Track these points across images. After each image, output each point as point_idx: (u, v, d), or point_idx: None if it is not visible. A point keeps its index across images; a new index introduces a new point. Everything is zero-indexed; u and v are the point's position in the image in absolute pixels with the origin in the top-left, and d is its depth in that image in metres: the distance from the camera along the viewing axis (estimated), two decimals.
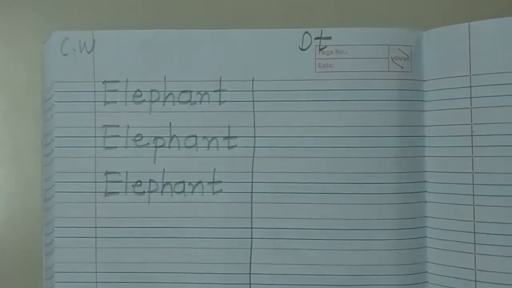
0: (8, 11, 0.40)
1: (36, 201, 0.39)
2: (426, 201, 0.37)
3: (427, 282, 0.37)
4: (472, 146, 0.35)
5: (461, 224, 0.35)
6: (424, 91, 0.37)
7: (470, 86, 0.35)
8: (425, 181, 0.37)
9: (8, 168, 0.39)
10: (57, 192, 0.38)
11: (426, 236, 0.37)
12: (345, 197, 0.37)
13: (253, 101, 0.37)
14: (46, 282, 0.38)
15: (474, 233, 0.35)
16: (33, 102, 0.39)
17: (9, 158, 0.39)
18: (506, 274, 0.34)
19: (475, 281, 0.35)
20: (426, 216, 0.37)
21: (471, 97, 0.35)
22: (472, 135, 0.35)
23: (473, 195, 0.35)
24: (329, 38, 0.37)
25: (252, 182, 0.37)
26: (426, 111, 0.37)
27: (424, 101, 0.37)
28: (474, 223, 0.35)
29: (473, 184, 0.35)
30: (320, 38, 0.37)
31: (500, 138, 0.34)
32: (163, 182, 0.38)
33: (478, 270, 0.35)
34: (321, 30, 0.37)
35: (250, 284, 0.37)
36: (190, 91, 0.38)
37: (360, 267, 0.37)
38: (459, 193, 0.35)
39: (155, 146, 0.38)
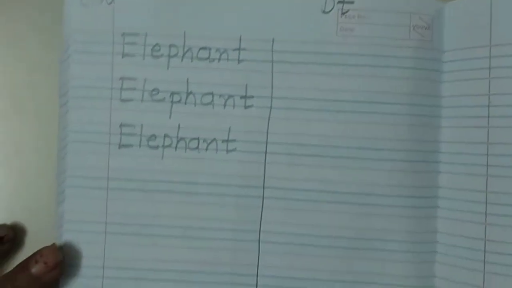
0: (8, 11, 0.39)
1: (36, 201, 0.39)
2: (439, 171, 0.37)
3: (436, 251, 0.37)
4: (488, 117, 0.35)
5: (473, 195, 0.36)
6: (443, 61, 0.37)
7: (490, 57, 0.35)
8: (439, 152, 0.37)
9: (8, 168, 0.39)
10: (70, 142, 0.38)
11: (437, 206, 0.37)
12: (358, 162, 0.37)
13: (272, 61, 0.37)
14: (56, 230, 0.38)
15: (485, 214, 0.35)
16: (33, 102, 0.39)
17: (9, 158, 0.39)
18: None
19: (484, 251, 0.35)
20: (438, 186, 0.37)
21: (490, 68, 0.35)
22: (489, 106, 0.35)
23: (487, 165, 0.35)
24: (352, 2, 0.37)
25: (266, 142, 0.38)
26: (444, 82, 0.37)
27: (442, 71, 0.37)
28: (486, 193, 0.35)
29: (487, 154, 0.35)
30: (343, 2, 0.37)
31: None
32: (177, 137, 0.38)
33: (488, 240, 0.35)
34: None
35: (259, 241, 0.37)
36: (209, 48, 0.38)
37: (369, 231, 0.37)
38: (474, 163, 0.36)
39: (171, 101, 0.38)
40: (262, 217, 0.37)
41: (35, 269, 0.35)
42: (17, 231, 0.39)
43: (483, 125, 0.36)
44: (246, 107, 0.38)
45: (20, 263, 0.36)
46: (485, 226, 0.35)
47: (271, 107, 0.38)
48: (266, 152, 0.38)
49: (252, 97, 0.38)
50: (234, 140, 0.38)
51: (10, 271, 0.36)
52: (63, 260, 0.37)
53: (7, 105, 0.39)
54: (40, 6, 0.39)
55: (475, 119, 0.36)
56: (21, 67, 0.39)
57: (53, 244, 0.37)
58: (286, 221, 0.37)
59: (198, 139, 0.38)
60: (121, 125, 0.38)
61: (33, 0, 0.40)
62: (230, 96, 0.38)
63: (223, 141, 0.38)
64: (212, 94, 0.38)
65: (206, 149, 0.38)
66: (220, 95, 0.38)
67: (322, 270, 0.37)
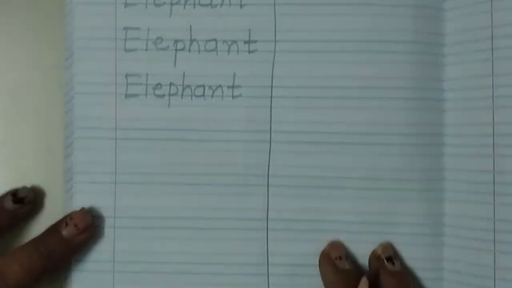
0: (8, 11, 0.39)
1: None
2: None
3: (444, 189, 0.37)
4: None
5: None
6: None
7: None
8: (443, 89, 0.37)
9: (8, 168, 0.39)
10: (77, 93, 0.38)
11: (444, 144, 0.37)
12: (363, 101, 0.37)
13: (274, 4, 0.37)
14: (66, 184, 0.39)
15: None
16: (33, 102, 0.39)
17: (9, 158, 0.39)
18: None
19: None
20: (444, 125, 0.37)
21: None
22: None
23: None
24: None
25: (271, 86, 0.38)
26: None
27: (444, 10, 0.37)
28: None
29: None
30: None
31: None
32: (183, 85, 0.38)
33: (497, 220, 0.35)
34: None
35: (268, 185, 0.38)
36: None
37: (376, 171, 0.37)
38: (478, 102, 0.36)
39: (175, 49, 0.38)
40: (270, 161, 0.38)
41: (65, 231, 0.36)
42: (37, 194, 0.39)
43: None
44: (250, 52, 0.38)
45: (50, 227, 0.37)
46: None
47: (275, 51, 0.38)
48: (271, 97, 0.38)
49: (256, 41, 0.38)
50: (239, 86, 0.38)
51: (41, 234, 0.36)
52: (92, 223, 0.37)
53: (7, 105, 0.39)
54: (40, 6, 0.39)
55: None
56: (21, 67, 0.39)
57: (82, 208, 0.37)
58: (294, 164, 0.37)
59: (203, 86, 0.38)
60: (126, 75, 0.38)
61: (33, 0, 0.39)
62: (233, 42, 0.38)
63: (228, 87, 0.38)
64: (215, 40, 0.38)
65: (212, 96, 0.38)
66: (224, 41, 0.38)
67: (331, 212, 0.37)
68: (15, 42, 0.40)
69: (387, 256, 0.36)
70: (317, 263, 0.37)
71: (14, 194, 0.37)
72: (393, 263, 0.35)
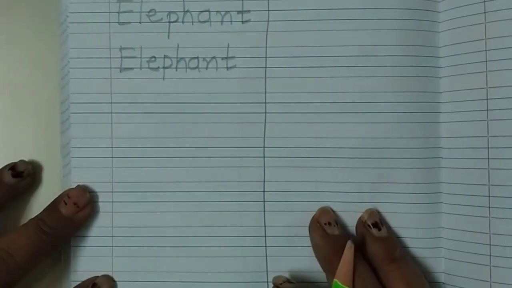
0: (8, 11, 0.39)
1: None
2: (439, 76, 0.37)
3: (441, 166, 0.37)
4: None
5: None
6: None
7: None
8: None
9: None
10: (72, 68, 0.38)
11: (440, 112, 0.37)
12: (358, 70, 0.37)
13: None
14: (63, 159, 0.39)
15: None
16: (33, 102, 0.39)
17: (9, 158, 0.39)
18: None
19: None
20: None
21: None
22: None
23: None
24: None
25: (266, 57, 0.37)
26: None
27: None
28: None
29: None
30: None
31: None
32: (177, 57, 0.38)
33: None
34: None
35: (264, 157, 0.37)
36: None
37: (371, 140, 0.37)
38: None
39: (168, 21, 0.38)
40: (266, 132, 0.37)
41: (65, 210, 0.36)
42: (36, 168, 0.39)
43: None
44: (243, 22, 0.37)
45: (49, 205, 0.37)
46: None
47: (268, 20, 0.37)
48: (266, 67, 0.37)
49: (249, 11, 0.37)
50: (233, 57, 0.38)
51: (41, 213, 0.37)
52: (91, 199, 0.37)
53: (7, 105, 0.39)
54: (40, 6, 0.39)
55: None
56: (21, 67, 0.39)
57: (78, 186, 0.38)
58: (289, 135, 0.37)
59: (197, 58, 0.38)
60: (121, 49, 0.38)
61: (33, 0, 0.39)
62: (227, 12, 0.37)
63: (222, 58, 0.38)
64: (208, 11, 0.38)
65: (206, 68, 0.38)
66: (217, 12, 0.38)
67: (327, 182, 0.37)
68: (15, 42, 0.40)
69: (373, 222, 0.35)
70: None
71: (13, 168, 0.37)
72: (379, 229, 0.35)
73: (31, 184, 0.39)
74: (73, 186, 0.38)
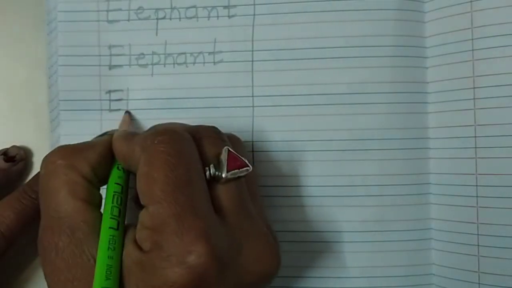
0: (8, 11, 0.40)
1: None
2: (426, 67, 0.36)
3: (429, 157, 0.36)
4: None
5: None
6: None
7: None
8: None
9: None
10: (60, 65, 0.38)
11: (427, 102, 0.36)
12: (345, 61, 0.37)
13: None
14: None
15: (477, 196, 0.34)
16: (33, 102, 0.40)
17: None
18: None
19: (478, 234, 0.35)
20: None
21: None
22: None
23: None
24: None
25: (252, 50, 0.37)
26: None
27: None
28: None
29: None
30: None
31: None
32: (165, 54, 0.38)
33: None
34: None
35: (253, 152, 0.37)
36: None
37: (359, 132, 0.36)
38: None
39: (156, 18, 0.38)
40: (254, 126, 0.37)
41: None
42: (27, 153, 0.39)
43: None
44: (230, 17, 0.38)
45: (37, 173, 0.37)
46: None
47: (254, 14, 0.37)
48: (252, 61, 0.37)
49: (235, 6, 0.38)
50: (220, 52, 0.38)
51: (28, 181, 0.37)
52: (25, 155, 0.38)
53: (6, 105, 0.40)
54: (39, 5, 0.39)
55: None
56: (21, 67, 0.40)
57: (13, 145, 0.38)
58: (278, 129, 0.37)
59: (185, 53, 0.38)
60: (110, 46, 0.38)
61: (33, 0, 0.40)
62: (213, 8, 0.38)
63: (209, 53, 0.38)
64: (195, 7, 0.38)
65: (194, 63, 0.38)
66: (204, 7, 0.38)
67: (316, 175, 0.37)
68: (15, 42, 0.40)
69: None
70: None
71: (5, 153, 0.38)
72: None
73: (23, 169, 0.39)
74: None
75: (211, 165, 0.30)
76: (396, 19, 0.36)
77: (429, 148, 0.37)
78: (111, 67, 0.38)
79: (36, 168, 0.39)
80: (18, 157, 0.38)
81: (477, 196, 0.34)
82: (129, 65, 0.38)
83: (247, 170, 0.30)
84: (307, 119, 0.37)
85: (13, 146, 0.39)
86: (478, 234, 0.34)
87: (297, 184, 0.37)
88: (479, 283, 0.34)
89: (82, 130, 0.38)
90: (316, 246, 0.37)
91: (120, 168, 0.32)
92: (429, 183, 0.37)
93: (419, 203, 0.36)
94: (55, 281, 0.29)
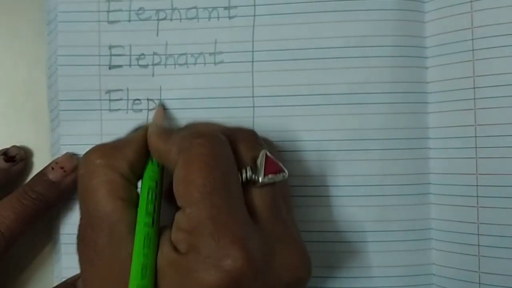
0: (8, 11, 0.40)
1: None
2: (426, 67, 0.36)
3: (429, 157, 0.36)
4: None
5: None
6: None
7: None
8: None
9: None
10: (60, 65, 0.38)
11: (428, 102, 0.36)
12: (345, 62, 0.37)
13: None
14: (53, 157, 0.39)
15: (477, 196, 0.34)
16: (33, 102, 0.40)
17: None
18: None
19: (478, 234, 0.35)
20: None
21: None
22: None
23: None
24: None
25: (252, 51, 0.37)
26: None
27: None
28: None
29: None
30: None
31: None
32: (166, 54, 0.38)
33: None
34: None
35: None
36: None
37: (359, 132, 0.36)
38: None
39: (157, 19, 0.38)
40: (254, 126, 0.37)
41: (52, 175, 0.37)
42: (28, 153, 0.39)
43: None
44: (230, 17, 0.38)
45: (37, 173, 0.37)
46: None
47: (254, 15, 0.37)
48: (253, 61, 0.37)
49: (236, 7, 0.38)
50: (221, 52, 0.38)
51: (29, 181, 0.37)
52: (25, 155, 0.38)
53: (7, 104, 0.40)
54: (40, 5, 0.39)
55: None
56: (21, 66, 0.40)
57: (67, 153, 0.38)
58: (278, 129, 0.37)
59: (186, 54, 0.38)
60: (110, 47, 0.38)
61: (33, 0, 0.40)
62: (214, 8, 0.38)
63: (210, 54, 0.38)
64: (196, 8, 0.38)
65: (195, 64, 0.38)
66: (204, 8, 0.38)
67: (318, 176, 0.37)
68: (15, 42, 0.40)
69: None
70: None
71: (5, 153, 0.38)
72: None
73: (24, 169, 0.39)
74: None
75: (248, 168, 0.29)
76: (396, 19, 0.36)
77: (429, 148, 0.37)
78: (111, 67, 0.38)
79: (36, 168, 0.39)
80: (18, 157, 0.38)
81: (477, 196, 0.34)
82: (129, 65, 0.38)
83: (284, 176, 0.30)
84: (308, 119, 0.37)
85: (13, 146, 0.39)
86: (478, 234, 0.34)
87: (297, 184, 0.37)
88: (479, 283, 0.34)
89: (82, 130, 0.38)
90: (316, 246, 0.37)
91: (154, 161, 0.32)
92: (429, 183, 0.37)
93: (419, 203, 0.36)
94: (91, 280, 0.29)
